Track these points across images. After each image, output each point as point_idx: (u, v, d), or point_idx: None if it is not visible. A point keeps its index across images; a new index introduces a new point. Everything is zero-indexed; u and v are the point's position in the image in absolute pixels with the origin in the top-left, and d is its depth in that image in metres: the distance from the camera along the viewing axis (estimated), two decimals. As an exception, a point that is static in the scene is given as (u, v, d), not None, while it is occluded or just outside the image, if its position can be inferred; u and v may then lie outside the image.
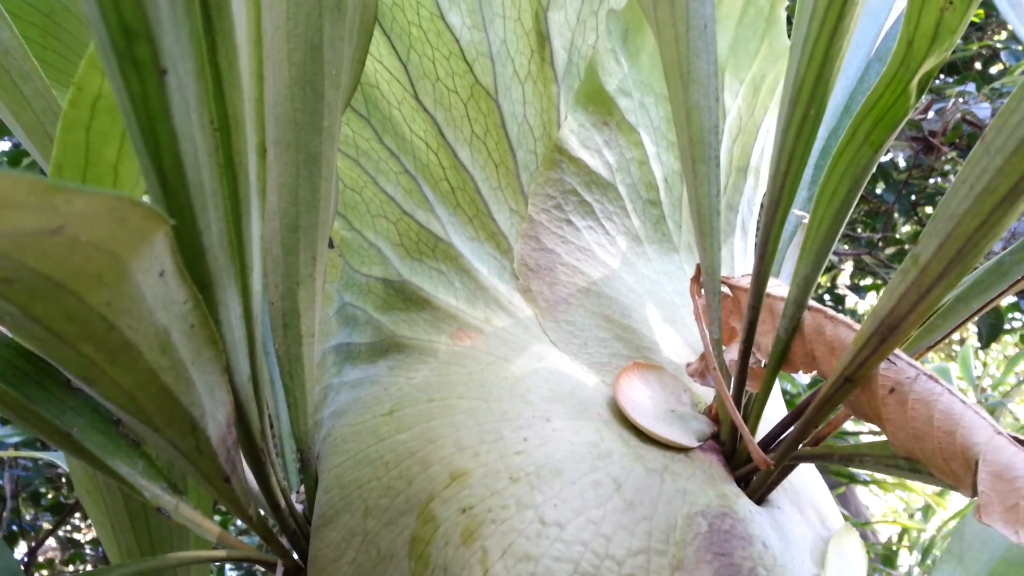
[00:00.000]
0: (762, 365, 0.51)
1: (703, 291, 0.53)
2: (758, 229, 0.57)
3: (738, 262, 0.70)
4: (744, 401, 0.52)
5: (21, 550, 2.59)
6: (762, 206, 0.54)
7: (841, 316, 0.46)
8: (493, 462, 0.48)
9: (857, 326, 0.44)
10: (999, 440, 0.37)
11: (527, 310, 0.59)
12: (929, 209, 3.02)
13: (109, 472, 0.51)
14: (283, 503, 0.55)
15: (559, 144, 0.63)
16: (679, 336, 0.60)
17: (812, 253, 0.46)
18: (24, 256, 0.29)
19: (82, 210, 0.25)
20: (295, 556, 0.57)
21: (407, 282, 0.63)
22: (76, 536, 3.38)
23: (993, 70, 3.08)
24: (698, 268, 0.54)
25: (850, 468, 0.46)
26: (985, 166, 0.36)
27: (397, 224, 0.64)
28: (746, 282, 0.52)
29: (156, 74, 0.29)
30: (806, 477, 0.56)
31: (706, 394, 0.56)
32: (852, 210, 0.47)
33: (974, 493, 0.37)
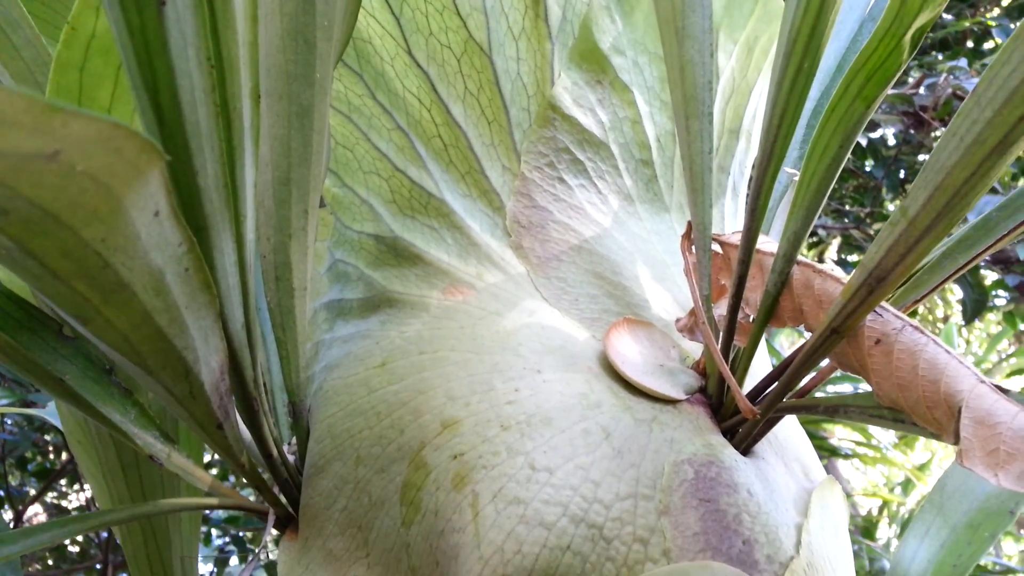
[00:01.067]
0: (750, 320, 0.51)
1: (694, 247, 0.53)
2: (749, 189, 0.58)
3: (728, 223, 0.70)
4: (732, 355, 0.52)
5: (7, 516, 2.60)
6: (753, 166, 0.55)
7: (829, 270, 0.46)
8: (484, 411, 0.48)
9: (846, 279, 0.45)
10: (981, 388, 0.37)
11: (519, 266, 0.60)
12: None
13: (102, 419, 0.51)
14: (275, 452, 0.56)
15: (552, 102, 0.63)
16: (668, 294, 0.61)
17: (803, 208, 0.47)
18: (20, 184, 0.29)
19: (79, 134, 0.25)
20: (286, 505, 0.57)
21: (399, 238, 0.63)
22: (63, 503, 3.39)
23: (986, 47, 3.08)
24: (689, 225, 0.54)
25: (834, 419, 0.46)
26: (975, 118, 0.36)
27: (389, 181, 0.64)
28: (736, 239, 0.53)
29: (155, 5, 0.29)
30: (791, 432, 0.57)
31: (694, 350, 0.57)
32: (840, 185, 0.47)
33: (956, 440, 0.38)
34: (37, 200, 0.30)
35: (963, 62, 2.13)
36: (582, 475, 0.44)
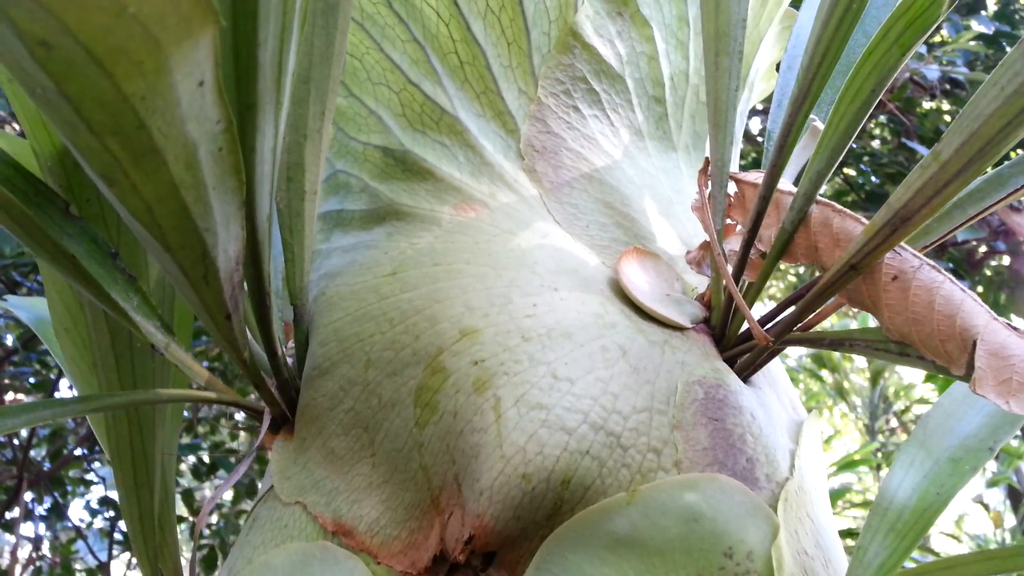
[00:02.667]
0: (762, 257, 0.53)
1: (710, 182, 0.55)
2: (776, 127, 0.59)
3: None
4: (741, 290, 0.54)
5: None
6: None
7: (848, 211, 0.48)
8: (504, 323, 0.49)
9: (865, 220, 0.47)
10: (996, 324, 0.40)
11: (531, 189, 0.60)
12: (852, 171, 3.12)
13: (109, 302, 0.50)
14: (280, 350, 0.55)
15: (574, 29, 0.63)
16: (673, 230, 0.62)
17: (828, 149, 0.48)
18: (67, 16, 0.28)
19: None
20: (283, 405, 0.57)
21: (409, 152, 0.62)
22: None
23: (934, 40, 3.18)
24: (706, 160, 0.56)
25: (840, 351, 0.49)
26: (1018, 70, 0.38)
27: (400, 94, 0.63)
28: (752, 177, 0.54)
29: None
30: (780, 370, 0.60)
31: (698, 284, 0.58)
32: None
33: (967, 371, 0.40)
34: (82, 38, 0.29)
35: (923, 48, 2.19)
36: (601, 387, 0.46)
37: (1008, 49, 0.42)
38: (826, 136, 0.48)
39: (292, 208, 0.57)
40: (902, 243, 0.45)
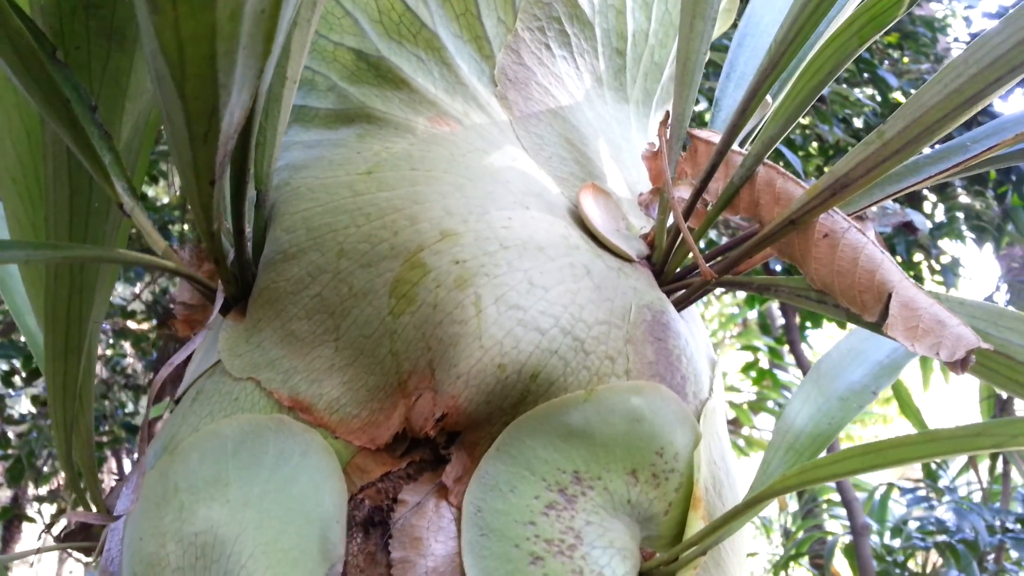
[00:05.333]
0: (707, 207, 0.59)
1: (669, 134, 0.60)
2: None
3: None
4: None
5: None
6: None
7: (790, 175, 0.55)
8: (483, 230, 0.53)
9: (805, 185, 0.54)
10: (907, 282, 0.48)
11: (502, 115, 0.63)
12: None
13: (89, 151, 0.49)
14: (247, 229, 0.56)
15: (557, -30, 0.66)
16: (621, 175, 0.68)
17: (783, 117, 0.55)
18: None
19: None
20: (237, 286, 0.58)
21: (384, 59, 0.64)
22: None
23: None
24: (667, 113, 0.61)
25: (764, 296, 0.56)
26: (960, 72, 0.46)
27: (379, 0, 0.65)
28: (706, 135, 0.61)
29: None
30: (697, 313, 0.67)
31: (640, 226, 0.64)
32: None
33: (879, 318, 0.49)
34: None
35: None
36: (571, 297, 0.51)
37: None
38: (782, 107, 0.55)
39: (272, 93, 0.58)
40: (835, 207, 0.52)
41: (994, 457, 4.00)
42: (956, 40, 3.57)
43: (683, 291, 0.60)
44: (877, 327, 0.50)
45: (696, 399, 0.54)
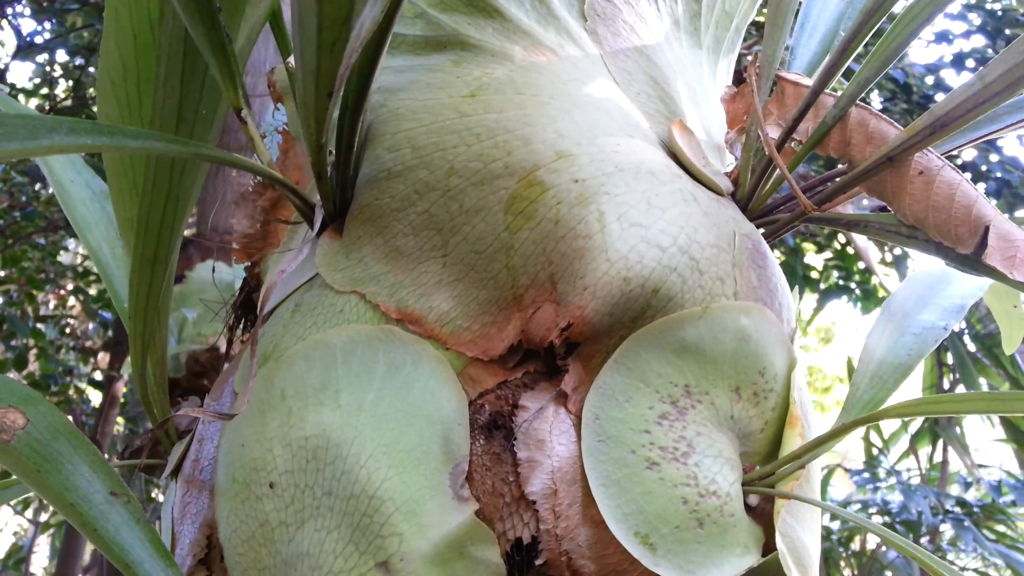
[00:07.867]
0: (793, 147, 0.62)
1: (758, 74, 0.62)
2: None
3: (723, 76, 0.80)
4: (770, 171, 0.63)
5: None
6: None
7: (883, 115, 0.58)
8: (596, 152, 0.54)
9: (898, 126, 0.57)
10: (1001, 216, 0.51)
11: (593, 48, 0.64)
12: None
13: (220, 52, 0.49)
14: (356, 144, 0.57)
15: (646, -89, 0.67)
16: (697, 116, 0.69)
17: (878, 60, 0.57)
18: None
19: None
20: (336, 202, 0.59)
21: (476, -12, 0.64)
22: None
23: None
24: (756, 54, 0.63)
25: (854, 230, 0.59)
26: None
27: (470, -70, 0.65)
28: (795, 77, 0.63)
29: None
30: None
31: (719, 166, 0.66)
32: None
33: (975, 250, 0.51)
34: None
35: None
36: (685, 219, 0.52)
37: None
38: (878, 50, 0.57)
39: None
40: (929, 147, 0.55)
41: (934, 443, 4.20)
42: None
43: (769, 227, 0.62)
44: (969, 260, 0.53)
45: (788, 327, 0.56)
